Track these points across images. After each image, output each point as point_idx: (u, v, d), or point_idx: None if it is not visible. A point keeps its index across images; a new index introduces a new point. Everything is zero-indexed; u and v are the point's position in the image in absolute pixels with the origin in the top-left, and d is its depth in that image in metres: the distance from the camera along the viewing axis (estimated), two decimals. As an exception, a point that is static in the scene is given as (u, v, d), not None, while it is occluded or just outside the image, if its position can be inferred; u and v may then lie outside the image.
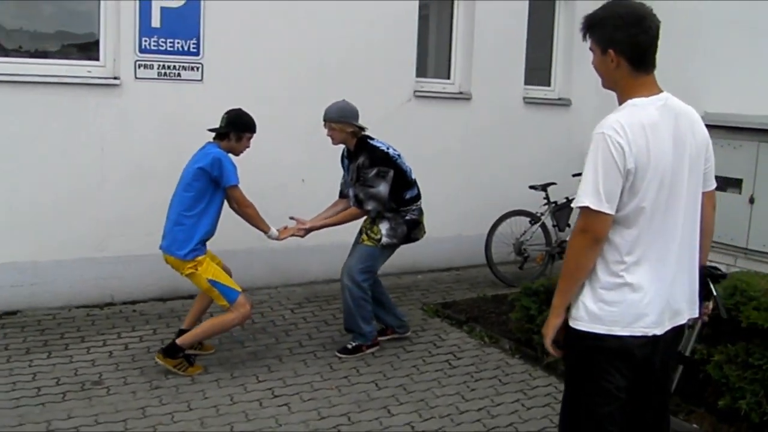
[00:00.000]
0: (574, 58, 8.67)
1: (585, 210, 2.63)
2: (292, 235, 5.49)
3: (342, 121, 5.35)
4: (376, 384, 5.03)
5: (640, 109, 2.66)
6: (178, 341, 5.03)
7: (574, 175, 8.06)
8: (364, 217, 5.54)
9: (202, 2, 6.51)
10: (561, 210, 7.86)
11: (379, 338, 5.74)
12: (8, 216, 6.07)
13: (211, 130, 5.13)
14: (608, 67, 2.73)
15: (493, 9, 8.01)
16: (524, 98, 8.42)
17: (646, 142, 2.60)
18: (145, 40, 6.33)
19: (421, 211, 5.61)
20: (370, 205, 5.35)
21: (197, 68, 6.56)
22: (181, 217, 4.95)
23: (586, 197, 2.62)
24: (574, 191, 8.55)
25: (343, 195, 5.73)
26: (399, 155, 5.47)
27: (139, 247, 6.44)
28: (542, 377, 5.23)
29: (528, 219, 7.74)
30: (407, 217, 5.48)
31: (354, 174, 5.42)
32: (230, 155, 5.07)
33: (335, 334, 5.92)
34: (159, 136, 6.46)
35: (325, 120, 5.41)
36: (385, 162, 5.34)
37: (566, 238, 7.81)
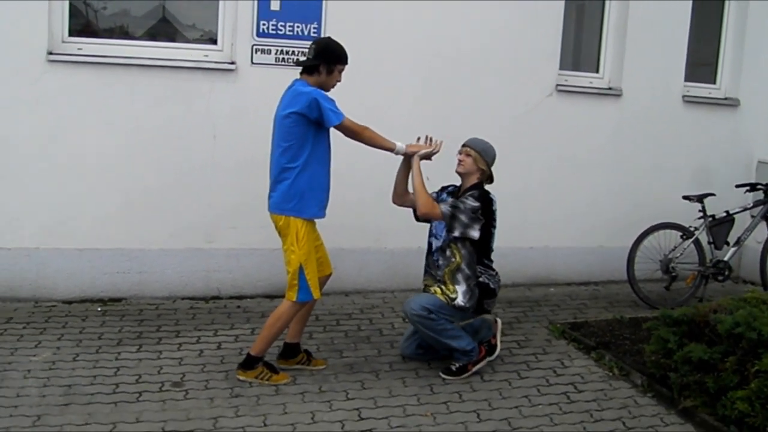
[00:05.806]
0: (746, 51, 7.63)
1: None
2: (421, 156, 4.81)
3: (482, 155, 4.87)
4: (477, 414, 4.39)
5: None
6: (251, 351, 4.65)
7: (738, 186, 7.08)
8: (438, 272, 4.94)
9: (324, -16, 6.13)
10: (719, 225, 6.83)
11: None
12: (120, 201, 5.95)
13: (298, 64, 4.68)
14: None
15: (651, -7, 7.12)
16: (683, 96, 7.43)
17: None
18: (263, 24, 6.01)
19: (499, 283, 5.00)
20: (444, 209, 4.72)
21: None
22: (285, 171, 4.45)
23: None
24: (736, 204, 7.46)
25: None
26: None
27: (250, 240, 6.17)
28: (676, 423, 4.40)
29: (679, 233, 6.79)
30: (481, 279, 4.84)
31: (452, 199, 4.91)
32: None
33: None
34: (274, 125, 6.11)
35: (465, 144, 4.94)
36: (487, 210, 4.80)
37: (723, 258, 6.84)
